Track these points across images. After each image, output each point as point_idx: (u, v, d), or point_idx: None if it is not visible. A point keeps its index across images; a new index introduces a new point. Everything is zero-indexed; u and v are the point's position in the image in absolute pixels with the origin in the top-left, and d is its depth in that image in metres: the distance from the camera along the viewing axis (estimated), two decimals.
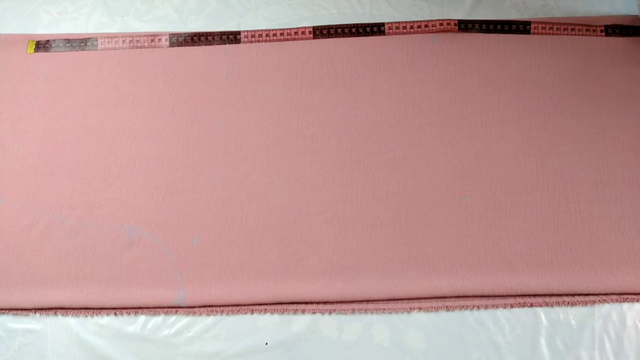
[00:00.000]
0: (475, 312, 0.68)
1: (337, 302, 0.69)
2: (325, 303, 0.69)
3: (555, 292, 0.68)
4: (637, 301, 0.68)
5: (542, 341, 0.66)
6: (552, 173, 0.76)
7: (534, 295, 0.68)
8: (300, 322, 0.68)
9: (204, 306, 0.69)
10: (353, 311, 0.68)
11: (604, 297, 0.68)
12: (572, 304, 0.68)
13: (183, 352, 0.67)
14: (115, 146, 0.81)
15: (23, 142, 0.83)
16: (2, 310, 0.70)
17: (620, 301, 0.68)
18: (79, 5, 0.96)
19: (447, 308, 0.68)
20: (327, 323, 0.68)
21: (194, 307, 0.69)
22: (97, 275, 0.71)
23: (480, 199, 0.74)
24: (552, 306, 0.68)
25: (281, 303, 0.69)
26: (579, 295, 0.68)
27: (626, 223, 0.72)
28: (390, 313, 0.68)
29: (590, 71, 0.83)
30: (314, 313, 0.68)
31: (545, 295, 0.68)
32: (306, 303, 0.69)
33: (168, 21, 0.93)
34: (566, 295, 0.68)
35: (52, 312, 0.70)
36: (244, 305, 0.69)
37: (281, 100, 0.83)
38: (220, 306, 0.69)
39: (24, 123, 0.84)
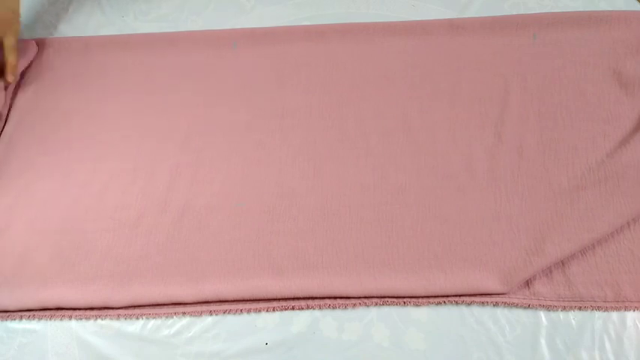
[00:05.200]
0: (475, 312, 0.68)
1: (337, 297, 0.69)
2: (323, 298, 0.69)
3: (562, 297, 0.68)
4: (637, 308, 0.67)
5: (542, 341, 0.66)
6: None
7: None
8: (300, 322, 0.68)
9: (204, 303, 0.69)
10: (354, 306, 0.68)
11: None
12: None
13: (184, 352, 0.67)
14: (115, 145, 0.81)
15: None
16: (3, 311, 0.70)
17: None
18: (77, 5, 0.96)
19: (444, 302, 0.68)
20: (327, 323, 0.68)
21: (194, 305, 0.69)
22: (97, 275, 0.71)
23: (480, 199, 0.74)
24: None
25: (281, 300, 0.69)
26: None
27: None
28: (389, 306, 0.68)
29: (591, 70, 0.83)
30: (313, 309, 0.68)
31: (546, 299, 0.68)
32: (307, 299, 0.69)
33: (168, 21, 0.93)
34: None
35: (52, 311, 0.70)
36: (244, 305, 0.69)
37: (281, 100, 0.83)
38: (220, 305, 0.69)
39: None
